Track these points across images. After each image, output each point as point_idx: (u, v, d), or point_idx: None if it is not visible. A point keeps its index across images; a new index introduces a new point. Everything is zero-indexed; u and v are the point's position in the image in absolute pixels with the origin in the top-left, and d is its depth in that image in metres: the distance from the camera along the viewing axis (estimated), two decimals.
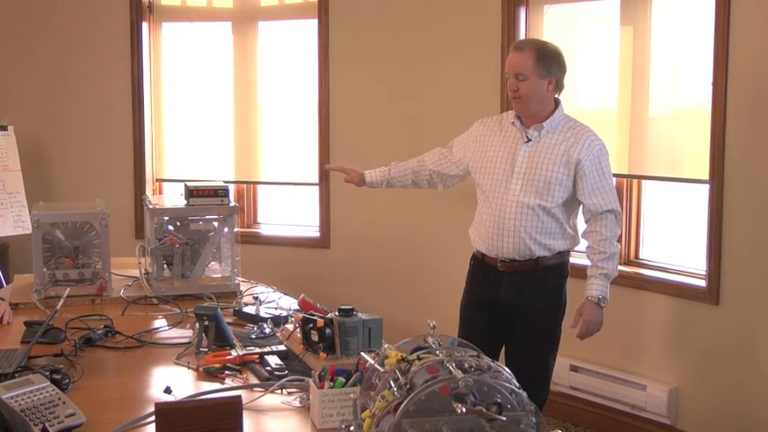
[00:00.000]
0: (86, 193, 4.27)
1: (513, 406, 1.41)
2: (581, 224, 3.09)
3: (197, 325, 2.47)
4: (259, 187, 5.16)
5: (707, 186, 3.58)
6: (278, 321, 2.65)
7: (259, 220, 5.17)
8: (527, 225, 2.96)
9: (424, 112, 4.48)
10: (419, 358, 1.52)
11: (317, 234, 4.88)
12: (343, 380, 1.90)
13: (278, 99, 4.97)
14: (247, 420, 1.85)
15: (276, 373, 2.20)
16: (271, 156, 5.01)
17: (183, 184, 3.22)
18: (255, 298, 2.94)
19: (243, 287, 3.12)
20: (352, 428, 1.60)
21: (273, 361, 2.27)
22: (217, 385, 2.16)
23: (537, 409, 1.42)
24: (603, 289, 2.97)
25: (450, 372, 1.43)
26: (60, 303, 2.51)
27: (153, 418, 1.77)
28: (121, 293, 3.03)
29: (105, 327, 2.59)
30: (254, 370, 2.26)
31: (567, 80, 3.05)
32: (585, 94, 4.08)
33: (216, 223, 3.16)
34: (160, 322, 2.76)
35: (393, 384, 1.47)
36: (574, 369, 4.04)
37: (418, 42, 4.49)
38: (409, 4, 4.52)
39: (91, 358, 2.37)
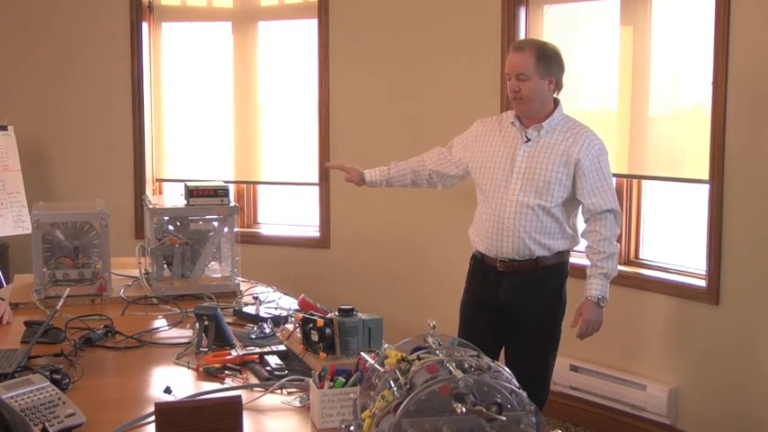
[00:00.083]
0: (86, 193, 4.27)
1: (513, 406, 1.41)
2: (580, 224, 3.09)
3: (197, 325, 2.47)
4: (259, 187, 5.16)
5: (707, 186, 3.58)
6: (278, 321, 2.65)
7: (259, 219, 5.17)
8: (526, 225, 2.96)
9: (424, 111, 4.48)
10: (419, 358, 1.52)
11: (317, 234, 4.88)
12: (343, 380, 1.90)
13: (278, 99, 4.97)
14: (247, 420, 1.85)
15: (276, 373, 2.19)
16: (271, 156, 5.00)
17: (183, 184, 3.22)
18: (255, 298, 2.94)
19: (243, 287, 3.12)
20: (352, 428, 1.59)
21: (273, 361, 2.27)
22: (217, 385, 2.16)
23: (537, 408, 1.42)
24: (603, 289, 2.97)
25: (450, 372, 1.43)
26: (60, 303, 2.50)
27: (153, 418, 1.77)
28: (121, 293, 3.03)
29: (105, 327, 2.59)
30: (254, 370, 2.25)
31: (566, 80, 3.06)
32: (585, 94, 4.08)
33: (216, 223, 3.16)
34: (160, 322, 2.76)
35: (393, 384, 1.47)
36: (574, 369, 4.04)
37: (418, 42, 4.49)
38: (409, 4, 4.52)
39: (91, 358, 2.37)
